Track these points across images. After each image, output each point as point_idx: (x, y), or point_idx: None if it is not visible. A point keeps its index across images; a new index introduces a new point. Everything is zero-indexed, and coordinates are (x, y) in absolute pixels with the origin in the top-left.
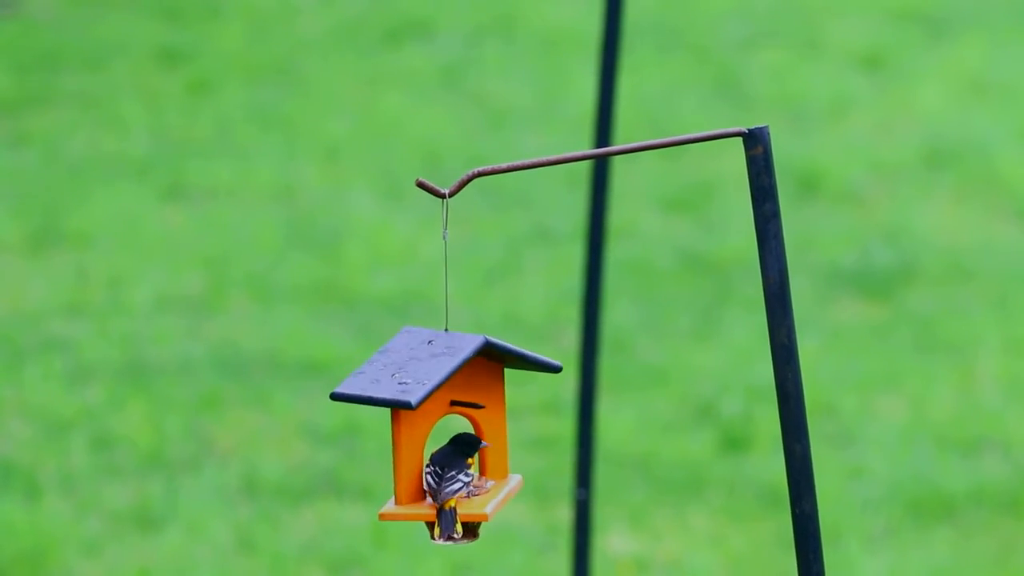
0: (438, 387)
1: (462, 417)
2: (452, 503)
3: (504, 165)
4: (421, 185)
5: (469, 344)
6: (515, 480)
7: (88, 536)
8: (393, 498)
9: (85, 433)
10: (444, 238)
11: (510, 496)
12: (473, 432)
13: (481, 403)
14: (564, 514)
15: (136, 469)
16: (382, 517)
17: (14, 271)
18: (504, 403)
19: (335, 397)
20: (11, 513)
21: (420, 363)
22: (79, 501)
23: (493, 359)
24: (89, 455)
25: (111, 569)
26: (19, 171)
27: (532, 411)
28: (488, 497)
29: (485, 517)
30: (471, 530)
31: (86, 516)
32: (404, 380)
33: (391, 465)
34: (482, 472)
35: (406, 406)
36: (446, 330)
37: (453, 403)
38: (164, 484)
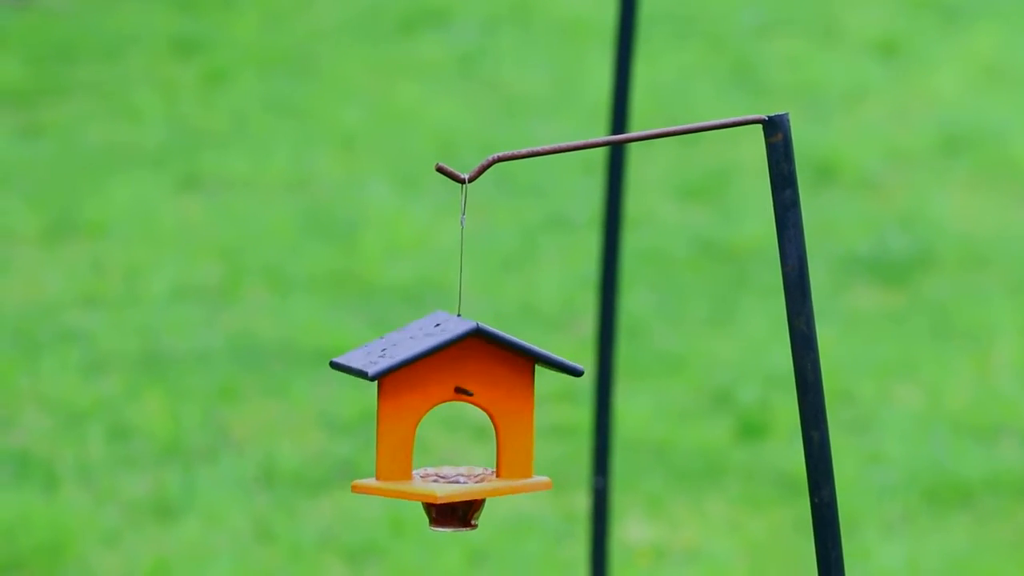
0: (402, 364)
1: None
2: None
3: (524, 151)
4: (441, 170)
5: (458, 328)
6: (538, 480)
7: (106, 526)
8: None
9: (102, 424)
10: (462, 223)
11: (521, 490)
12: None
13: (470, 391)
14: (581, 502)
15: (153, 459)
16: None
17: (30, 262)
18: (530, 403)
19: (333, 365)
20: (29, 504)
21: (412, 342)
22: (96, 492)
23: (520, 355)
24: (106, 446)
25: (129, 559)
26: (34, 162)
27: (549, 399)
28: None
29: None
30: (467, 519)
31: (104, 506)
32: (386, 355)
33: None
34: (498, 473)
35: (362, 375)
36: (459, 315)
37: (457, 390)
38: (181, 474)
